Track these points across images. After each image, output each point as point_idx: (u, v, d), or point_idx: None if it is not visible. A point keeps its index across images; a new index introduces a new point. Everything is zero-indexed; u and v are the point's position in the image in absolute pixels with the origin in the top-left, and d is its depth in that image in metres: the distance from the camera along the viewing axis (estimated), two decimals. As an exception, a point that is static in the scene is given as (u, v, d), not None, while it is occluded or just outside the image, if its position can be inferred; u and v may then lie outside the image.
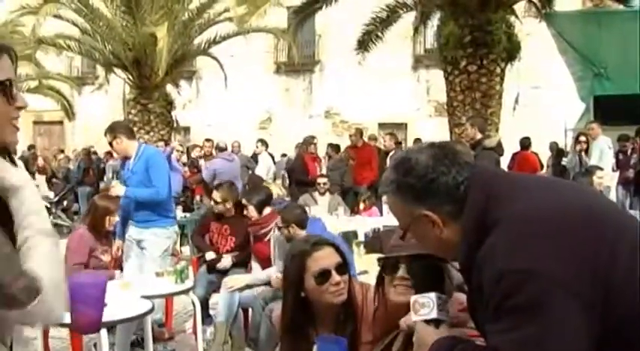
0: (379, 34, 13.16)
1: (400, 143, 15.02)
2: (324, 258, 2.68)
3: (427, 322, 1.95)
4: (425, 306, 1.97)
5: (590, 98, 15.15)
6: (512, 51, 10.80)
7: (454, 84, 10.76)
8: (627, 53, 13.42)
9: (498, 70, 10.65)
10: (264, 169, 15.00)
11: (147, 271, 5.89)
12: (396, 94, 22.81)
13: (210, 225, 6.63)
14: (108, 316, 4.25)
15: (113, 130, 6.26)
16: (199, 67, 23.36)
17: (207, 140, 13.47)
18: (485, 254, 1.71)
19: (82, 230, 5.72)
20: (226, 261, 6.31)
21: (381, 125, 22.46)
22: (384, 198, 2.35)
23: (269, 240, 5.92)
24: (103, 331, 4.26)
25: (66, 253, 5.38)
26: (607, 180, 9.00)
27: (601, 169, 7.62)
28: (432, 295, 1.98)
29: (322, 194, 9.84)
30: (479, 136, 7.23)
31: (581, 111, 15.63)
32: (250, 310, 5.74)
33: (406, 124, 23.45)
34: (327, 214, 9.02)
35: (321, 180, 10.08)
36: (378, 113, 22.86)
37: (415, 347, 1.98)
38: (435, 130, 18.52)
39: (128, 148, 6.25)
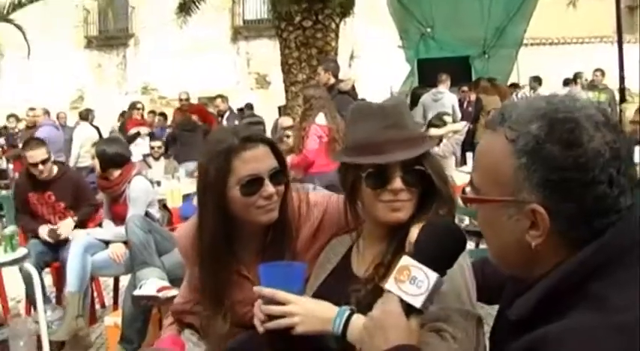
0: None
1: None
2: (257, 160, 1.96)
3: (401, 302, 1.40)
4: (416, 283, 1.39)
5: (414, 61, 15.33)
6: (346, 6, 10.53)
7: (288, 41, 10.31)
8: (456, 13, 13.70)
9: (333, 25, 10.33)
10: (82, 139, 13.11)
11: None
12: (215, 67, 21.96)
13: (29, 197, 5.53)
14: None
15: None
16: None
17: (31, 109, 12.31)
18: (536, 338, 1.13)
19: None
20: (68, 227, 5.34)
21: (201, 99, 21.64)
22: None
23: (125, 199, 5.03)
24: None
25: None
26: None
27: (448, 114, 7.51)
28: (434, 275, 1.39)
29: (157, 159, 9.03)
30: (332, 80, 6.82)
31: (406, 74, 15.78)
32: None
33: (227, 98, 22.82)
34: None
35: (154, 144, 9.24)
36: (197, 88, 21.95)
37: (369, 325, 1.43)
38: (256, 103, 18.01)
39: None
